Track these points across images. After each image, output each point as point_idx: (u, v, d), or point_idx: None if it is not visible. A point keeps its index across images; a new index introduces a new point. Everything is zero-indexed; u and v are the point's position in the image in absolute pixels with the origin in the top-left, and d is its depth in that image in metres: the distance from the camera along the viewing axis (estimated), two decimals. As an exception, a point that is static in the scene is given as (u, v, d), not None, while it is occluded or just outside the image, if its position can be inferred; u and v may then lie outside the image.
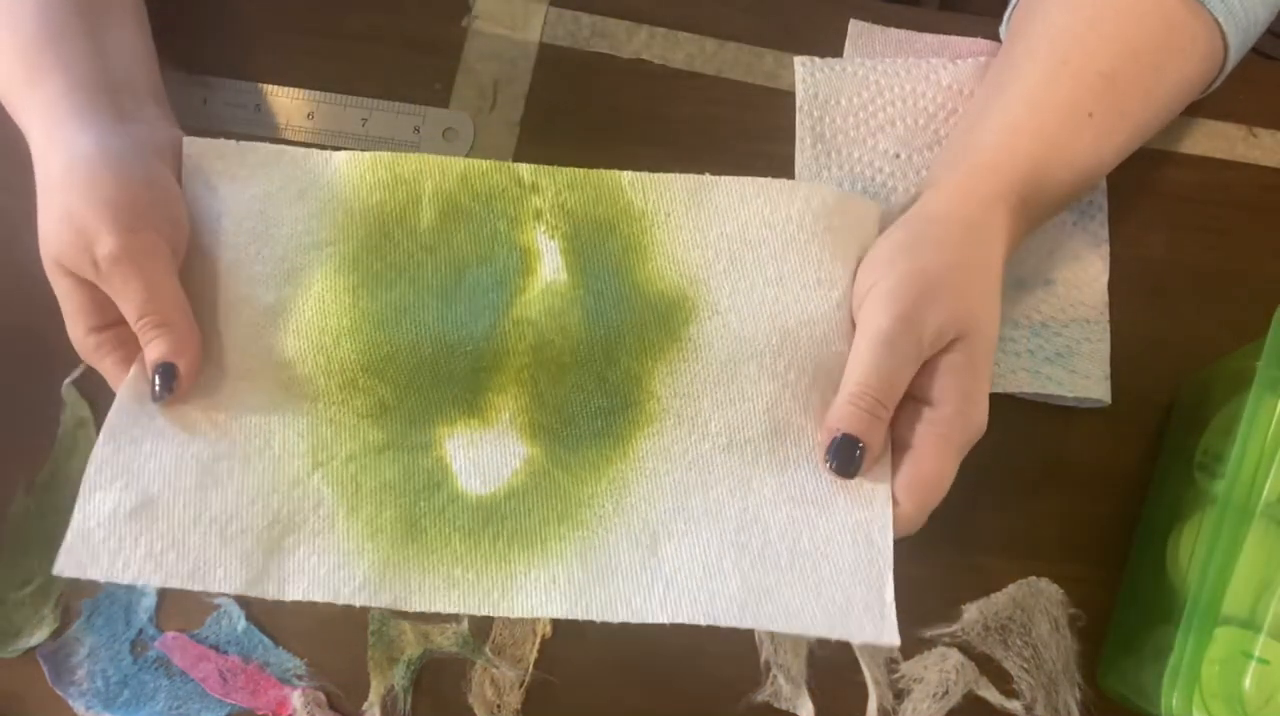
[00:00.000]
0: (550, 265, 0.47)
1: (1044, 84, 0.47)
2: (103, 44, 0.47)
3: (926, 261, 0.43)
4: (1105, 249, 0.54)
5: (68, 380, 0.53)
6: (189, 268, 0.46)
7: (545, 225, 0.47)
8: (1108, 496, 0.52)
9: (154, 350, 0.43)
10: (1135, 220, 0.55)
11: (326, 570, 0.42)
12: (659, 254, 0.47)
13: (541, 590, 0.41)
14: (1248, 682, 0.40)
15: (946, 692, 0.49)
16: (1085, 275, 0.54)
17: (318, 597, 0.41)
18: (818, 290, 0.45)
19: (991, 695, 0.49)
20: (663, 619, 0.41)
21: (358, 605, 0.41)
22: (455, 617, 0.50)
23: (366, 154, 0.48)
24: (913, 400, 0.43)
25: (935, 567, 0.51)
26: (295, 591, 0.41)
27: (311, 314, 0.45)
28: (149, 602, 0.51)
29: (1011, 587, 0.51)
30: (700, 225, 0.47)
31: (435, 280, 0.47)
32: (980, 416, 0.43)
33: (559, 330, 0.45)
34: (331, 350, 0.45)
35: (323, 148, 0.48)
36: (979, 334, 0.42)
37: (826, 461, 0.42)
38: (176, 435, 0.43)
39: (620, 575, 0.42)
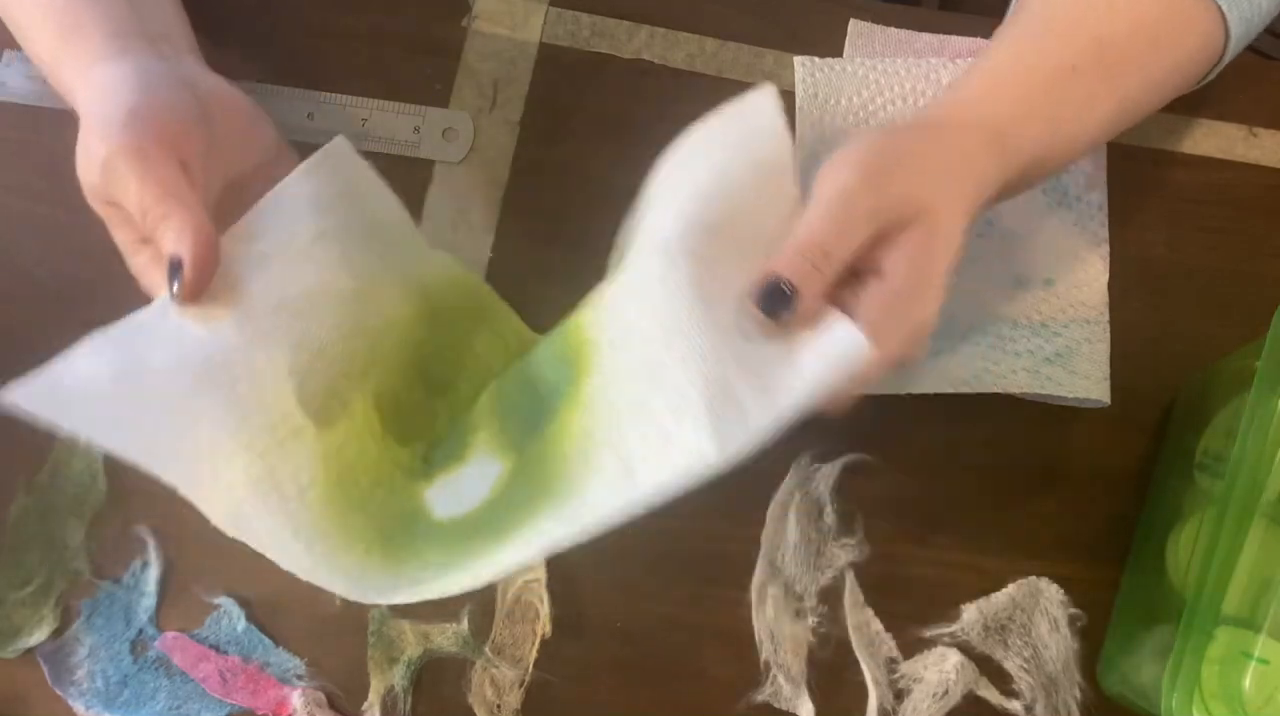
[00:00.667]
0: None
1: (1031, 39, 0.46)
2: (136, 2, 0.47)
3: (900, 140, 0.42)
4: (1105, 249, 0.54)
5: (68, 380, 0.53)
6: (261, 237, 0.44)
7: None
8: (1108, 496, 0.52)
9: (162, 245, 0.41)
10: (1135, 220, 0.55)
11: (281, 534, 0.40)
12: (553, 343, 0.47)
13: (513, 550, 0.40)
14: (1248, 682, 0.40)
15: (946, 692, 0.49)
16: (1085, 275, 0.54)
17: (262, 551, 0.40)
18: (723, 177, 0.43)
19: (991, 695, 0.49)
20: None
21: (301, 577, 0.40)
22: (455, 617, 0.50)
23: (455, 272, 0.50)
24: (859, 275, 0.41)
25: (935, 567, 0.51)
26: (234, 530, 0.39)
27: (378, 323, 0.46)
28: (149, 603, 0.51)
29: (1011, 587, 0.51)
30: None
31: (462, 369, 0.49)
32: (930, 309, 0.40)
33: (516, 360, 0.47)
34: (378, 367, 0.45)
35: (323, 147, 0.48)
36: (941, 223, 0.40)
37: (755, 302, 0.40)
38: (192, 331, 0.41)
39: (595, 510, 0.39)
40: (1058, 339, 0.52)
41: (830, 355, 0.39)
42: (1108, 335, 0.53)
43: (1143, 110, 0.48)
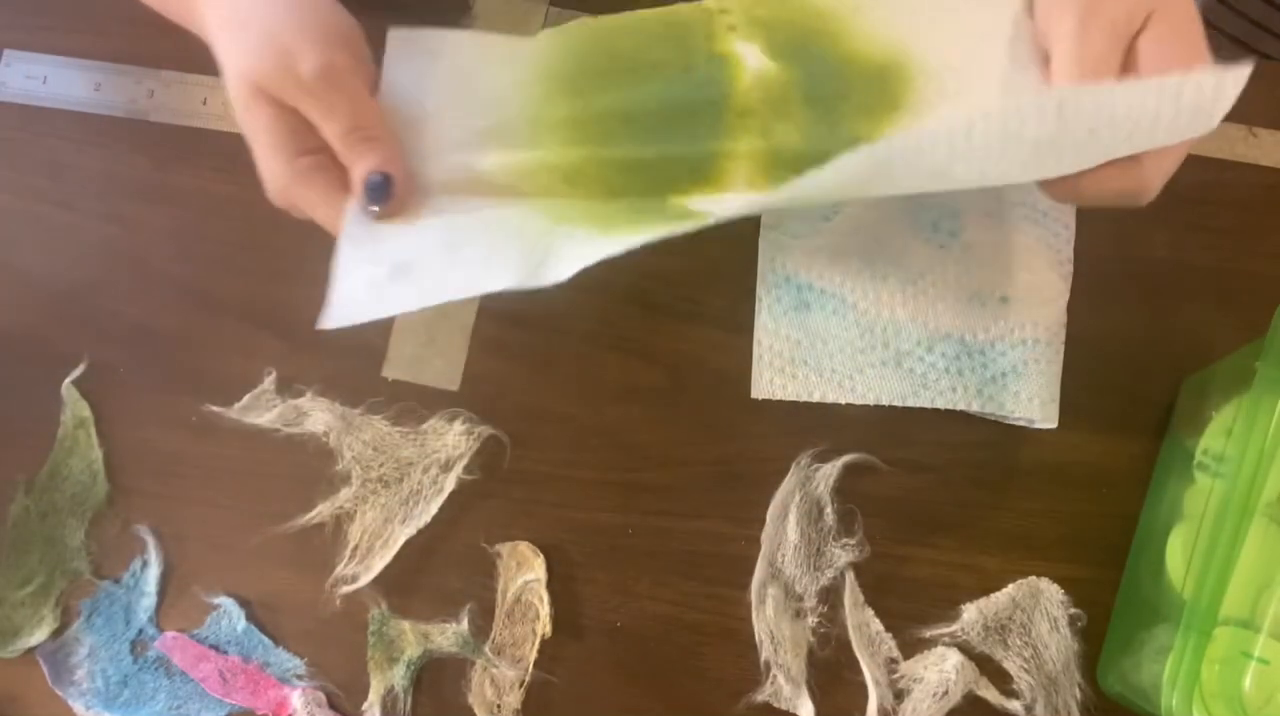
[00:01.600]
0: (754, 60, 0.47)
1: None
2: None
3: None
4: (1068, 269, 0.53)
5: (68, 380, 0.53)
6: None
7: (740, 35, 0.47)
8: (1108, 496, 0.52)
9: (366, 162, 0.41)
10: (1135, 220, 0.55)
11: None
12: (857, 34, 0.46)
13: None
14: (1248, 682, 0.40)
15: (946, 692, 0.49)
16: (1043, 295, 0.52)
17: (597, 257, 0.40)
18: (1028, 39, 0.43)
19: (991, 695, 0.49)
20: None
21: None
22: (455, 617, 0.50)
23: (563, 27, 0.48)
24: None
25: (935, 567, 0.51)
26: (572, 267, 0.40)
27: (529, 156, 0.45)
28: (149, 602, 0.51)
29: (1011, 587, 0.51)
30: (889, 4, 0.46)
31: (647, 96, 0.46)
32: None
33: (781, 115, 0.45)
34: (558, 158, 0.45)
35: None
36: (1175, 3, 0.40)
37: None
38: (411, 223, 0.42)
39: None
40: (1002, 359, 0.52)
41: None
42: (1060, 357, 0.52)
43: None
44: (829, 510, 0.51)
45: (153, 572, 0.51)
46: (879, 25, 0.46)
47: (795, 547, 0.50)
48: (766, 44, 0.47)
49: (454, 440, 0.51)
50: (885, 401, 0.51)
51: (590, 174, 0.45)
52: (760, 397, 0.52)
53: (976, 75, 0.44)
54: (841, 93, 0.45)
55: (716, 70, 0.46)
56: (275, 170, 0.42)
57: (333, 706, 0.50)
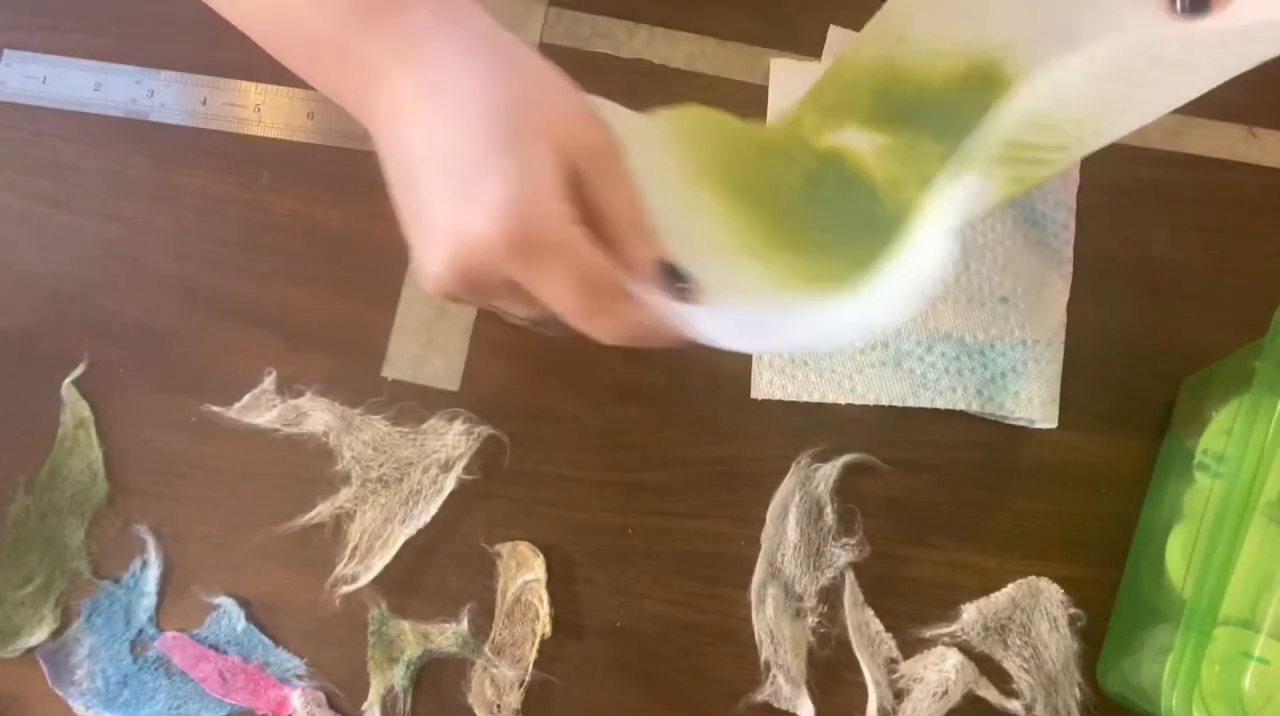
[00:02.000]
0: (861, 142, 0.46)
1: None
2: None
3: None
4: (1068, 269, 0.53)
5: (68, 380, 0.53)
6: None
7: (829, 129, 0.47)
8: (1108, 496, 0.52)
9: (657, 248, 0.40)
10: (1135, 220, 0.55)
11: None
12: (923, 56, 0.45)
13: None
14: (1248, 682, 0.40)
15: (946, 692, 0.49)
16: (1043, 294, 0.52)
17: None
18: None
19: (991, 695, 0.49)
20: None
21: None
22: (455, 617, 0.50)
23: (678, 113, 0.48)
24: None
25: (935, 567, 0.51)
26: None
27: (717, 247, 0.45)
28: (149, 602, 0.51)
29: (1011, 587, 0.51)
30: (927, 13, 0.46)
31: (788, 205, 0.46)
32: None
33: (928, 160, 0.44)
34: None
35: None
36: None
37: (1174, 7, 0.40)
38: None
39: None
40: (1002, 359, 0.52)
41: None
42: (1060, 357, 0.52)
43: None
44: (829, 510, 0.51)
45: (153, 572, 0.51)
46: (936, 38, 0.45)
47: (795, 547, 0.51)
48: (855, 120, 0.46)
49: (454, 440, 0.51)
50: (885, 401, 0.51)
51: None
52: (760, 397, 0.52)
53: (1053, 29, 0.43)
54: (954, 110, 0.44)
55: (839, 168, 0.46)
56: (543, 200, 0.37)
57: (333, 706, 0.50)
